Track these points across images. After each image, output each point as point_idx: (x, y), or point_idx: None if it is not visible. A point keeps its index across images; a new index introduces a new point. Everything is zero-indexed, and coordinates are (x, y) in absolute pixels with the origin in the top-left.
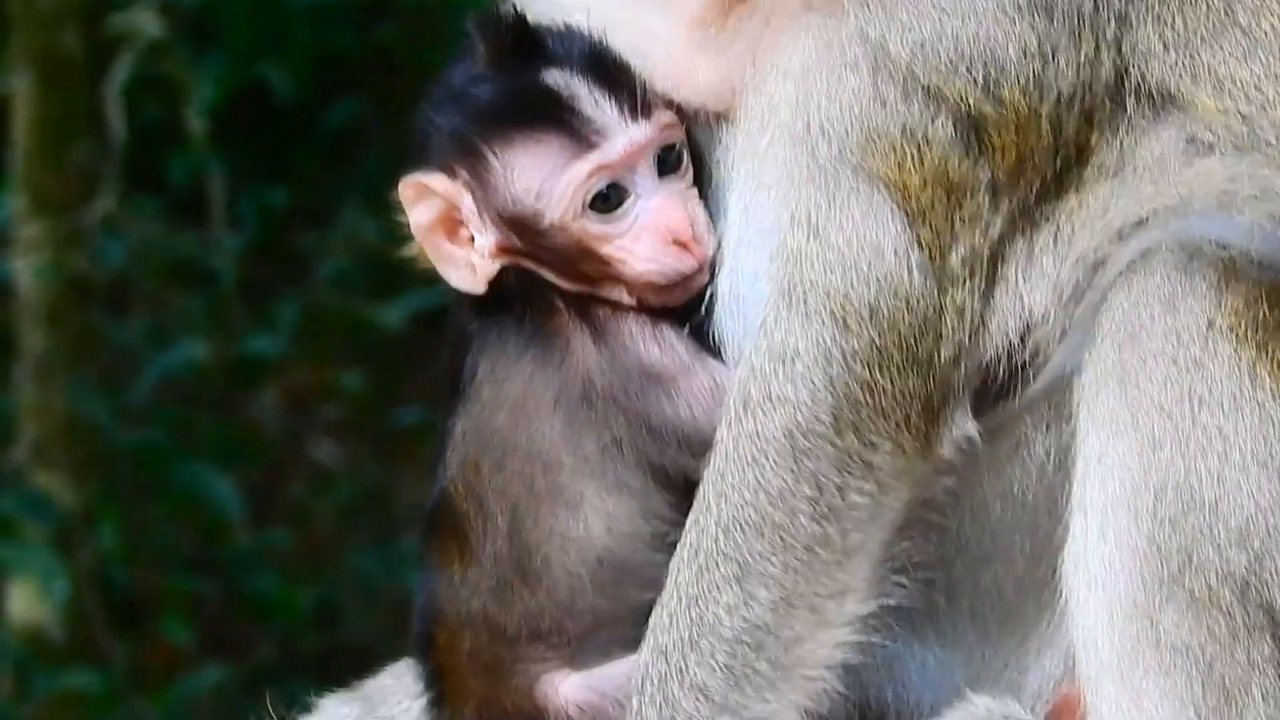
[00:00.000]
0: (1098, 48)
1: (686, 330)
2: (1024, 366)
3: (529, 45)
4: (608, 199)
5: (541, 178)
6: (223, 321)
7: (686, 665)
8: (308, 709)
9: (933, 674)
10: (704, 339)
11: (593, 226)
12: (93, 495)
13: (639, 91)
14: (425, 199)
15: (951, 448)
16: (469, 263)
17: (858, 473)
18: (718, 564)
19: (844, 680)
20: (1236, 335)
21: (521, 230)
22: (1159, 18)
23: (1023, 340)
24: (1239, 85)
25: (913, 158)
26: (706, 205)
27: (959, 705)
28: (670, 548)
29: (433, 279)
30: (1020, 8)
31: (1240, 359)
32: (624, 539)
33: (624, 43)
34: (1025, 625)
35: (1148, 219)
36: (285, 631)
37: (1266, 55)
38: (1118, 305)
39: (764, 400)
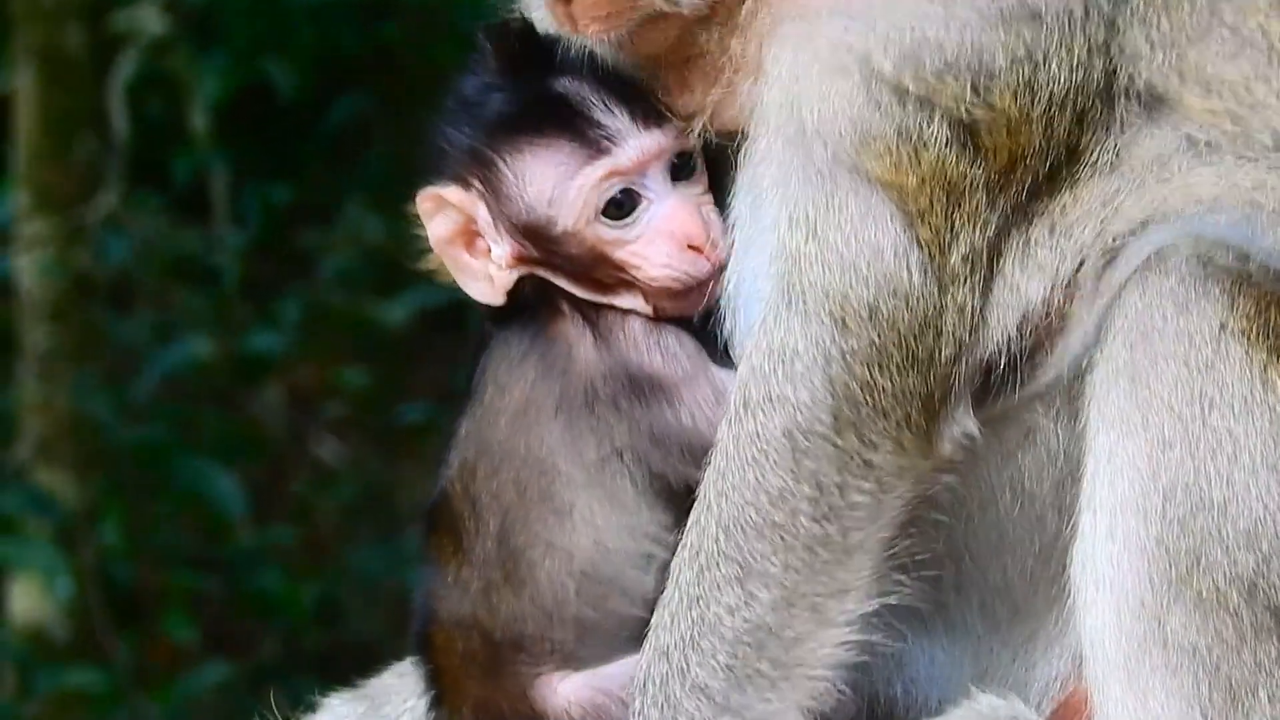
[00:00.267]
0: (1089, 51)
1: (693, 333)
2: (1024, 358)
3: (539, 54)
4: (621, 205)
5: (554, 184)
6: (226, 319)
7: (688, 665)
8: (311, 708)
9: (941, 669)
10: (714, 340)
11: (606, 232)
12: (95, 492)
13: (651, 99)
14: (442, 211)
15: (952, 445)
16: (487, 274)
17: (858, 472)
18: (718, 564)
19: (849, 677)
20: (1249, 339)
21: (536, 238)
22: (1145, 19)
23: (1019, 331)
24: (1227, 85)
25: (909, 159)
26: (722, 212)
27: (965, 703)
28: (656, 569)
29: (434, 277)
30: (1006, 16)
31: (1252, 362)
32: (610, 554)
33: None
34: (1034, 620)
35: (1159, 218)
36: (288, 629)
37: (1255, 55)
38: (1131, 304)
39: (764, 400)
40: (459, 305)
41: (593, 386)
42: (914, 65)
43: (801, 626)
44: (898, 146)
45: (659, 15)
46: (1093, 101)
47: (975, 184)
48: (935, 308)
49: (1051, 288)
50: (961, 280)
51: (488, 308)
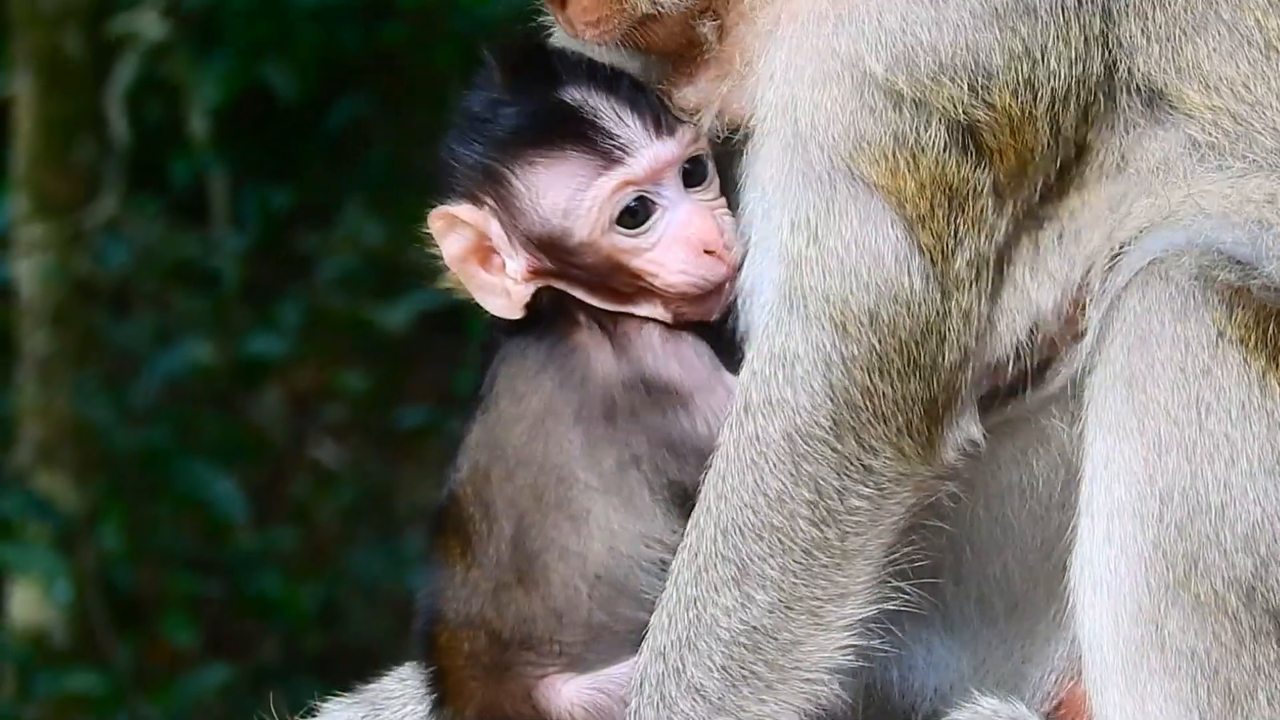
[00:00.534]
0: (1086, 42)
1: (710, 339)
2: (1036, 364)
3: (546, 67)
4: (635, 214)
5: (568, 195)
6: (225, 322)
7: (684, 666)
8: (311, 713)
9: (938, 658)
10: (731, 342)
11: (622, 241)
12: (95, 496)
13: (662, 107)
14: (455, 230)
15: (955, 452)
16: (504, 289)
17: (857, 477)
18: (716, 566)
19: (845, 681)
20: (1247, 347)
21: (552, 251)
22: (1140, 12)
23: (1030, 338)
24: (1225, 82)
25: (907, 164)
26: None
27: (967, 707)
28: (667, 575)
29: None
30: (1000, 13)
31: (1249, 368)
32: (623, 559)
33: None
34: (1033, 616)
35: (1164, 225)
36: (288, 632)
37: (1252, 52)
38: (1129, 309)
39: (764, 404)
40: (458, 309)
41: (611, 398)
42: (907, 68)
43: (799, 630)
44: (894, 152)
45: (650, 16)
46: (1095, 95)
47: (980, 188)
48: (938, 313)
49: (1062, 294)
50: (966, 286)
51: (501, 317)
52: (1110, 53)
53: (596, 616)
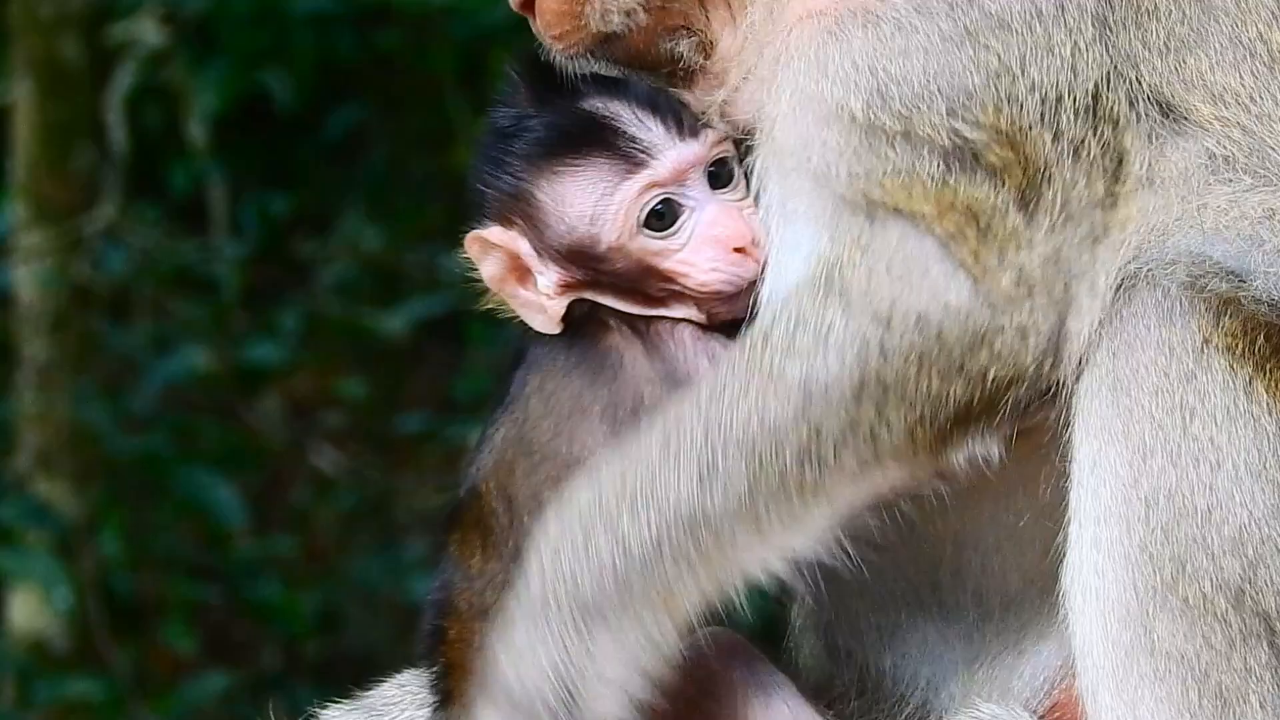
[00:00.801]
0: (1077, 48)
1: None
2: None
3: (567, 78)
4: (662, 216)
5: (593, 201)
6: (224, 329)
7: (618, 518)
8: (311, 719)
9: (933, 647)
10: None
11: (651, 244)
12: (95, 503)
13: (684, 109)
14: (488, 253)
15: (964, 459)
16: (541, 306)
17: (862, 439)
18: (687, 453)
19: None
20: (1233, 354)
21: (582, 260)
22: (1135, 21)
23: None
24: (1231, 94)
25: (919, 192)
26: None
27: (966, 712)
28: None
29: (433, 287)
30: (970, 31)
31: (1235, 375)
32: None
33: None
34: (1028, 613)
35: (1165, 234)
36: (287, 638)
37: (1257, 65)
38: (1116, 314)
39: (788, 347)
40: (457, 316)
41: (640, 393)
42: (882, 103)
43: (740, 536)
44: (902, 183)
45: (611, 35)
46: (1100, 98)
47: (1003, 206)
48: (991, 328)
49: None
50: (1019, 303)
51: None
52: (1113, 61)
53: None
